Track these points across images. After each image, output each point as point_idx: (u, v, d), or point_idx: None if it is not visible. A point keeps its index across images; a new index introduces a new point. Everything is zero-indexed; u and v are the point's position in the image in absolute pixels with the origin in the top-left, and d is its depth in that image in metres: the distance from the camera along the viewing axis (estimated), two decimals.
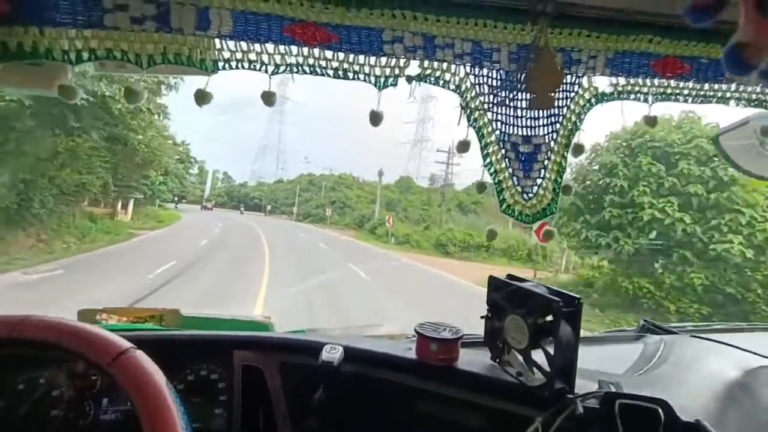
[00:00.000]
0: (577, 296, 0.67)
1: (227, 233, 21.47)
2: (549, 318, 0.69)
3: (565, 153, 0.95)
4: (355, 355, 0.83)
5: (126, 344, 0.46)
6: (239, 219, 40.08)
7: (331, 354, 0.74)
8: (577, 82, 0.93)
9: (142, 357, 0.46)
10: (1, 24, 0.73)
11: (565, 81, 0.92)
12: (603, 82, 0.95)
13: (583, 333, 0.80)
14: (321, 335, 0.99)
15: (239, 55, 0.83)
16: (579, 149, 0.96)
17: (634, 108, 0.99)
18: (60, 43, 0.76)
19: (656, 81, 0.97)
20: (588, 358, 0.96)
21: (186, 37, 0.80)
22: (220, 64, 0.83)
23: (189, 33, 0.79)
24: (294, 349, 0.89)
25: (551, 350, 0.70)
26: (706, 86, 0.99)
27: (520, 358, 0.77)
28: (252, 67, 0.83)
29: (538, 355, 0.74)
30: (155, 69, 0.81)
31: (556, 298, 0.67)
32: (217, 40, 0.81)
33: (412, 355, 0.83)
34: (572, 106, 0.94)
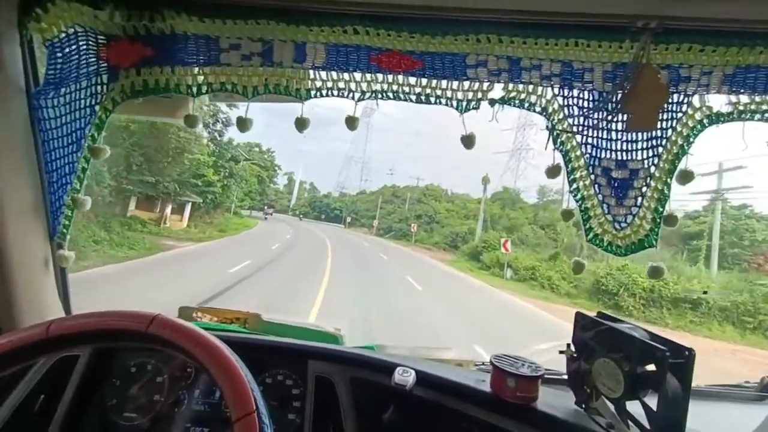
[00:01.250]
0: (688, 347, 0.58)
1: (292, 250, 16.35)
2: (650, 367, 0.61)
3: (669, 179, 0.85)
4: (427, 380, 0.81)
5: (155, 312, 0.51)
6: (302, 228, 35.38)
7: (404, 377, 0.74)
8: (686, 101, 0.83)
9: (171, 317, 0.51)
10: (144, 65, 0.89)
11: (671, 100, 0.83)
12: (719, 101, 0.84)
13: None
14: (390, 354, 0.99)
15: (330, 84, 0.90)
16: (687, 176, 0.85)
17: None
18: (186, 79, 0.90)
19: None
20: (696, 417, 0.82)
21: (285, 69, 0.89)
22: (313, 93, 0.90)
23: (288, 66, 0.88)
24: (366, 366, 0.90)
25: (653, 405, 0.61)
26: None
27: (612, 407, 0.69)
28: (340, 94, 0.90)
29: (634, 407, 0.66)
30: (258, 98, 0.91)
31: (662, 347, 0.59)
32: (311, 72, 0.89)
33: (486, 387, 0.79)
34: (679, 128, 0.84)
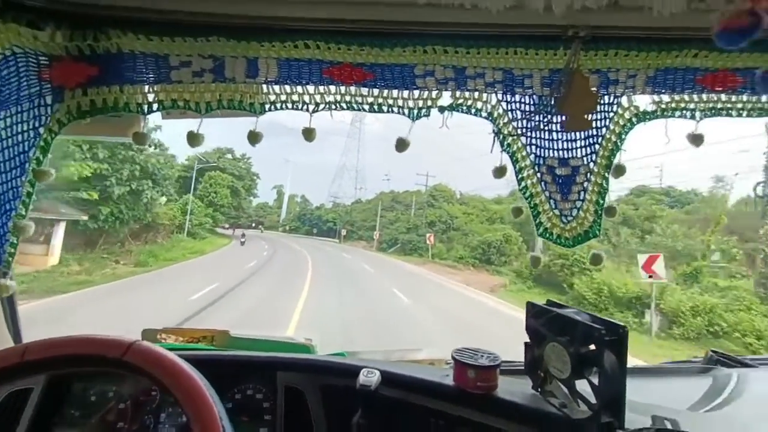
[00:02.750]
0: (622, 324, 0.64)
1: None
2: (592, 347, 0.67)
3: (607, 174, 0.93)
4: (393, 380, 0.84)
5: (132, 339, 0.51)
6: (282, 247, 28.37)
7: (368, 378, 0.76)
8: (615, 102, 0.92)
9: (148, 343, 0.50)
10: (91, 85, 0.87)
11: (603, 101, 0.91)
12: (645, 101, 0.93)
13: (639, 363, 0.75)
14: (360, 359, 1.01)
15: (283, 98, 0.91)
16: (620, 170, 0.93)
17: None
18: (135, 98, 0.89)
19: (704, 96, 0.93)
20: (643, 391, 0.89)
21: (238, 85, 0.90)
22: (267, 107, 0.92)
23: (240, 81, 0.89)
24: (334, 372, 0.91)
25: (596, 381, 0.67)
26: (764, 98, 0.93)
27: (564, 388, 0.74)
28: (295, 107, 0.91)
29: (583, 387, 0.71)
30: (211, 114, 0.92)
31: (598, 326, 0.65)
32: (264, 86, 0.91)
33: (449, 381, 0.83)
34: (612, 126, 0.92)
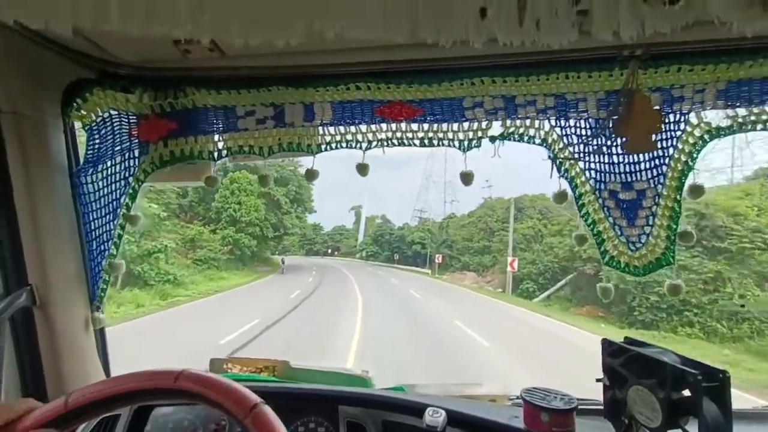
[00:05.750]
0: (722, 369, 0.57)
1: None
2: (686, 393, 0.60)
3: (678, 196, 0.85)
4: (458, 419, 0.80)
5: (257, 398, 0.51)
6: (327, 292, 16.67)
7: (435, 418, 0.74)
8: (682, 119, 0.86)
9: (270, 411, 0.51)
10: (171, 138, 0.98)
11: (667, 120, 0.86)
12: (717, 116, 0.86)
13: (738, 406, 0.66)
14: (421, 395, 0.98)
15: (338, 138, 0.96)
16: (698, 191, 0.85)
17: None
18: (208, 146, 0.99)
19: None
20: None
21: (296, 128, 0.96)
22: (323, 147, 0.97)
23: (299, 125, 0.96)
24: (396, 408, 0.89)
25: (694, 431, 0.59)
26: None
27: None
28: (348, 146, 0.96)
29: None
30: (273, 156, 0.99)
31: (693, 370, 0.58)
32: (320, 128, 0.96)
33: (519, 424, 0.78)
34: (680, 146, 0.86)
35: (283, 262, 25.11)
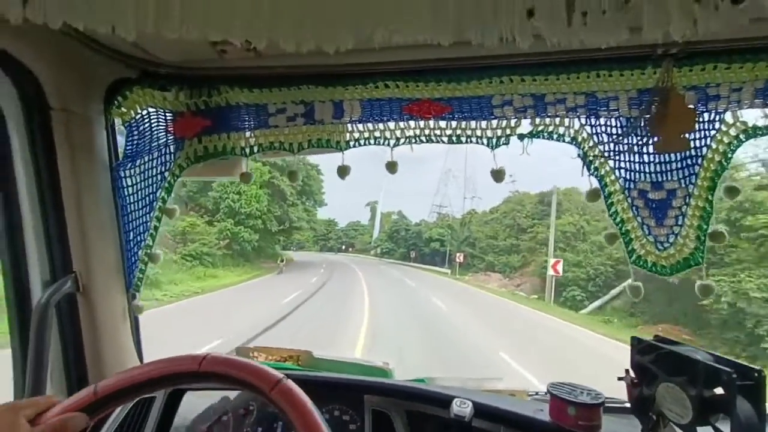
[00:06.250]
0: (758, 368, 0.57)
1: None
2: (718, 391, 0.60)
3: (710, 196, 0.85)
4: (485, 411, 0.82)
5: (280, 375, 0.54)
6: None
7: (462, 408, 0.75)
8: (717, 118, 0.85)
9: (294, 384, 0.53)
10: (205, 134, 1.01)
11: (702, 119, 0.85)
12: (754, 115, 0.84)
13: None
14: (444, 386, 1.00)
15: (366, 135, 0.98)
16: (733, 191, 0.84)
17: None
18: (240, 143, 1.02)
19: None
20: None
21: (326, 125, 0.98)
22: (351, 143, 0.99)
23: (328, 122, 0.98)
24: (421, 399, 0.92)
25: (726, 429, 0.60)
26: None
27: None
28: (377, 143, 0.98)
29: None
30: (302, 152, 1.01)
31: (727, 369, 0.58)
32: (349, 125, 0.98)
33: (545, 417, 0.79)
34: (714, 145, 0.85)
35: (281, 261, 21.90)
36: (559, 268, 16.01)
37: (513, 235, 24.49)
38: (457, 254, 27.79)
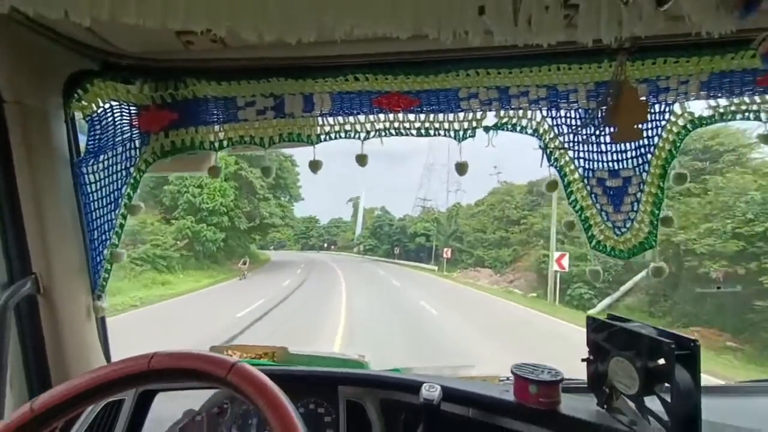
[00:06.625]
0: (693, 338, 0.63)
1: None
2: (661, 361, 0.65)
3: (662, 183, 0.91)
4: (453, 395, 0.85)
5: (234, 359, 0.53)
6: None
7: (431, 392, 0.78)
8: (667, 110, 0.90)
9: (249, 366, 0.53)
10: (172, 128, 0.99)
11: (653, 110, 0.90)
12: (700, 106, 0.90)
13: (717, 382, 0.71)
14: (417, 374, 1.03)
15: (337, 128, 0.99)
16: (682, 178, 0.91)
17: None
18: (209, 137, 1.00)
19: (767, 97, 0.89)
20: (721, 411, 0.84)
21: (296, 119, 0.99)
22: (322, 137, 1.00)
23: (298, 115, 0.98)
24: (393, 387, 0.94)
25: (668, 398, 0.65)
26: None
27: (632, 405, 0.72)
28: (347, 136, 0.99)
29: (653, 403, 0.69)
30: (273, 146, 1.01)
31: (667, 340, 0.64)
32: (319, 118, 0.99)
33: (510, 397, 0.83)
34: (665, 135, 0.91)
35: (244, 263, 18.20)
36: (565, 262, 13.86)
37: (502, 228, 23.05)
38: (445, 249, 26.18)
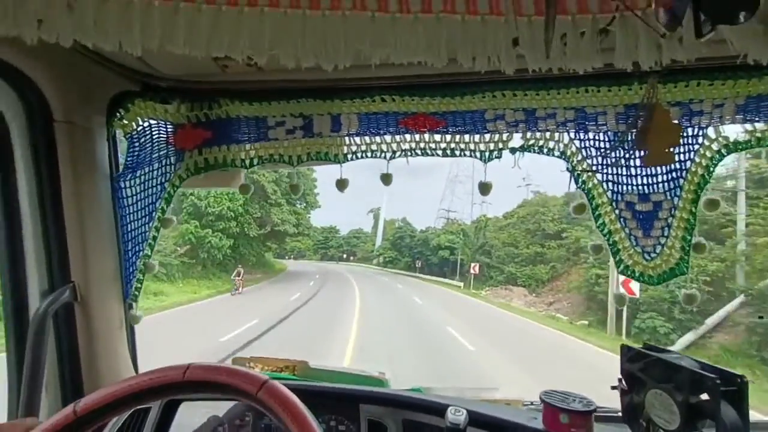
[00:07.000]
0: (740, 374, 0.59)
1: None
2: (704, 397, 0.62)
3: (694, 209, 0.88)
4: (479, 420, 0.83)
5: (265, 377, 0.54)
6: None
7: (457, 416, 0.76)
8: (701, 133, 0.88)
9: (280, 384, 0.53)
10: (205, 146, 1.03)
11: (686, 134, 0.89)
12: (735, 130, 0.88)
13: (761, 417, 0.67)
14: (440, 395, 1.01)
15: (363, 148, 1.01)
16: (714, 204, 0.88)
17: None
18: (240, 155, 1.04)
19: None
20: None
21: (324, 138, 1.01)
22: (349, 156, 1.02)
23: (326, 135, 1.01)
24: (417, 408, 0.92)
25: None
26: None
27: None
28: (373, 155, 1.00)
29: None
30: (301, 164, 1.04)
31: (711, 375, 0.60)
32: (346, 138, 1.01)
33: (538, 425, 0.80)
34: (698, 159, 0.88)
35: (238, 275, 15.83)
36: (635, 287, 10.04)
37: (537, 242, 20.70)
38: (472, 265, 23.38)
